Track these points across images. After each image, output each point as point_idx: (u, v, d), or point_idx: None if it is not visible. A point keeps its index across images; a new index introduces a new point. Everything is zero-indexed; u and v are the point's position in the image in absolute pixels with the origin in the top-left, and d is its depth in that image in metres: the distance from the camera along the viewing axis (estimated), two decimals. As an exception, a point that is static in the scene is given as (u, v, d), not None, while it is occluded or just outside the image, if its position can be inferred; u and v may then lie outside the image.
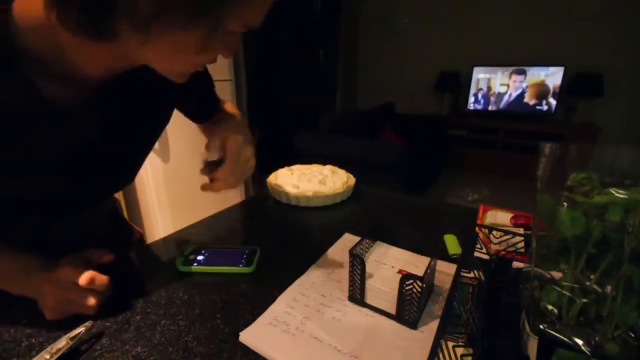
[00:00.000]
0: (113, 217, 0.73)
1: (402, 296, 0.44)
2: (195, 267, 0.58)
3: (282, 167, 1.02)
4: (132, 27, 0.32)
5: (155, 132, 0.59)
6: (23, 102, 0.37)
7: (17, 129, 0.38)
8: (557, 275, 0.39)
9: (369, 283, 0.48)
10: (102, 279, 0.46)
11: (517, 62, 3.35)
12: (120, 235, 0.75)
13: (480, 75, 3.52)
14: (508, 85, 3.43)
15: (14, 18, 0.33)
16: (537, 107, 3.36)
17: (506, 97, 3.47)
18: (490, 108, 3.56)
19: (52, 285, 0.44)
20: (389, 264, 0.56)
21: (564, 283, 0.37)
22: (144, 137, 0.57)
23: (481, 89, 3.55)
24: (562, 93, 3.19)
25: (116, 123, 0.49)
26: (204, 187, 0.56)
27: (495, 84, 3.48)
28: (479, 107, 3.61)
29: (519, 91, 3.39)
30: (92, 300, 0.45)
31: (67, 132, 0.43)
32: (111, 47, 0.35)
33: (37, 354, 0.39)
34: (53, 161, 0.44)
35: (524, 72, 3.32)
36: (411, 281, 0.43)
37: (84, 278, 0.44)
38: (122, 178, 0.58)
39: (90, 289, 0.45)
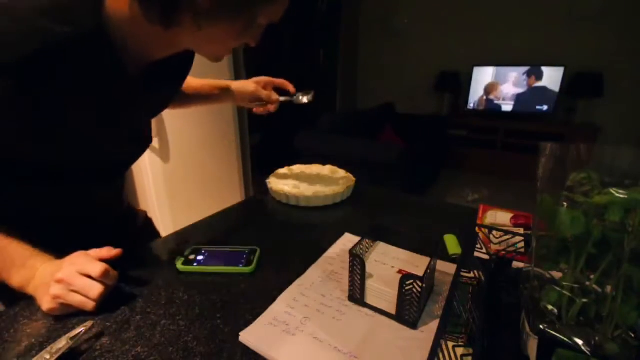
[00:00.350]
0: (120, 199, 0.75)
1: (402, 296, 0.44)
2: (195, 267, 0.58)
3: (282, 167, 1.02)
4: (192, 19, 0.43)
5: (168, 104, 0.72)
6: (108, 71, 0.47)
7: (100, 91, 0.48)
8: (557, 275, 0.39)
9: (369, 283, 0.48)
10: (114, 273, 0.48)
11: (517, 62, 3.35)
12: (127, 214, 0.79)
13: (480, 75, 3.51)
14: (508, 85, 3.43)
15: (106, 10, 0.44)
16: (537, 107, 3.35)
17: (506, 97, 3.47)
18: (490, 108, 3.56)
19: (61, 272, 0.45)
20: (389, 264, 0.56)
21: (564, 283, 0.37)
22: (162, 107, 0.70)
23: (481, 89, 3.55)
24: (562, 93, 3.19)
25: (152, 93, 0.60)
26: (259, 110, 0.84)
27: (495, 84, 3.47)
28: (479, 107, 3.60)
29: (519, 91, 3.39)
30: (97, 292, 0.45)
31: (129, 96, 0.54)
32: (173, 34, 0.46)
33: (37, 354, 0.39)
34: (112, 118, 0.54)
35: (524, 72, 3.32)
36: (411, 281, 0.43)
37: (99, 269, 0.46)
38: (145, 142, 0.67)
39: (99, 281, 0.46)
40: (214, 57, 0.54)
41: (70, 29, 0.41)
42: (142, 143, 0.66)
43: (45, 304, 0.45)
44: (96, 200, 0.65)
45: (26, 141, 0.46)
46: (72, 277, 0.45)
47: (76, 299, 0.45)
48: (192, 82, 0.81)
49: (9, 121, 0.42)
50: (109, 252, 0.51)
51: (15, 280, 0.47)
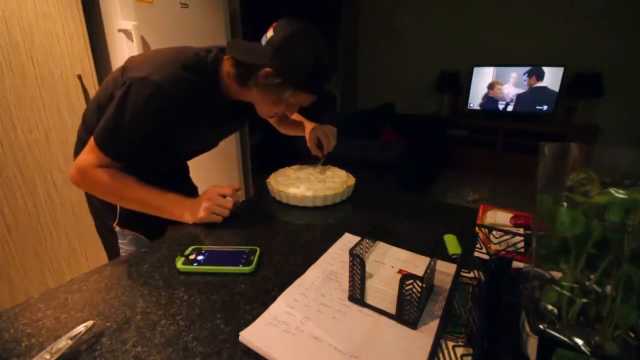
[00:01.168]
0: (188, 173, 1.12)
1: (402, 296, 0.44)
2: (195, 267, 0.58)
3: (282, 167, 1.02)
4: (255, 84, 0.74)
5: (236, 129, 1.07)
6: (213, 103, 0.78)
7: (206, 113, 0.78)
8: (557, 275, 0.39)
9: (369, 283, 0.48)
10: (237, 192, 0.81)
11: (517, 62, 3.35)
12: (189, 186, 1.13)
13: (480, 75, 3.51)
14: (508, 85, 3.43)
15: (221, 68, 0.76)
16: (537, 107, 3.35)
17: (506, 97, 3.47)
18: (490, 108, 3.56)
19: (207, 194, 0.77)
20: (389, 264, 0.56)
21: (564, 283, 0.37)
22: (233, 129, 1.02)
23: (481, 89, 3.55)
24: (562, 93, 3.19)
25: (230, 118, 0.88)
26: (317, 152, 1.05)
27: (495, 84, 3.47)
28: (479, 107, 3.60)
29: (519, 91, 3.39)
30: (230, 203, 0.77)
31: (219, 115, 0.84)
32: (244, 90, 0.77)
33: (37, 354, 0.39)
34: (206, 129, 0.85)
35: (524, 72, 3.32)
36: (411, 281, 0.43)
37: (230, 189, 0.79)
38: (213, 147, 0.99)
39: (230, 198, 0.78)
40: (261, 114, 0.85)
41: (199, 78, 0.72)
42: (211, 146, 0.98)
43: (200, 212, 0.74)
44: (181, 170, 1.06)
45: (165, 137, 0.75)
46: (214, 195, 0.76)
47: (218, 209, 0.75)
48: (294, 116, 1.16)
49: (164, 125, 0.71)
50: (230, 187, 0.80)
51: (177, 212, 0.76)
